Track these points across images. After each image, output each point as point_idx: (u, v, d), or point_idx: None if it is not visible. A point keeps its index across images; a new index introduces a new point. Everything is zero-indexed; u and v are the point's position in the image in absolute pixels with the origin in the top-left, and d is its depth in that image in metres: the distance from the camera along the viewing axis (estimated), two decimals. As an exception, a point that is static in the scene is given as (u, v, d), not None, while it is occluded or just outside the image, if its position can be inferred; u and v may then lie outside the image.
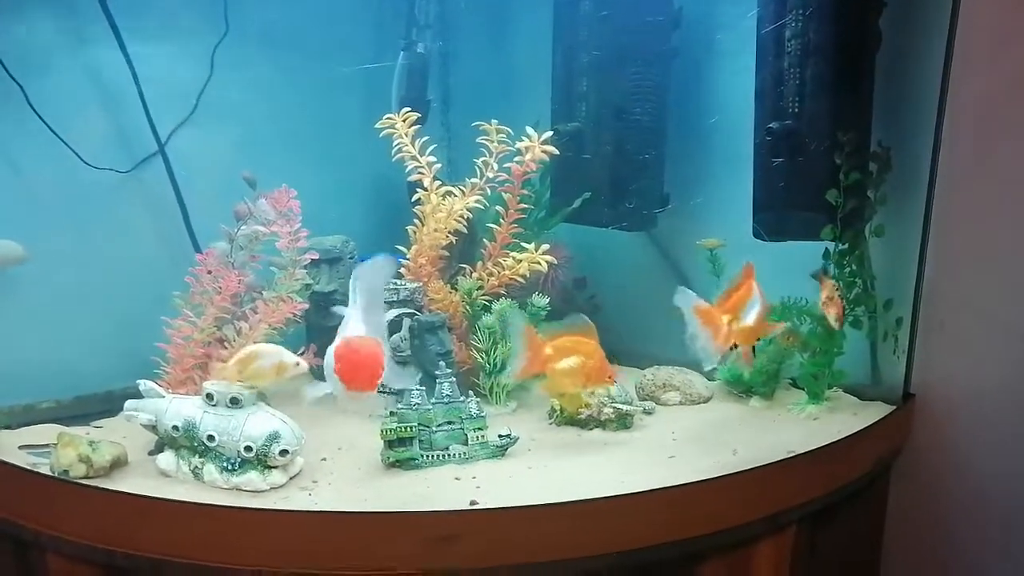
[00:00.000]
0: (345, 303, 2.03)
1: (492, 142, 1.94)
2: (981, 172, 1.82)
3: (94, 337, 1.95)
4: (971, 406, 1.87)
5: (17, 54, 1.83)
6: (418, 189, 1.99)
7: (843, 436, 1.74)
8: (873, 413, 1.88)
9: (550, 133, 1.96)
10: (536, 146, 1.94)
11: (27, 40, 1.85)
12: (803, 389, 1.95)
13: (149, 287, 1.90)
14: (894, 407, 1.90)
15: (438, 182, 1.98)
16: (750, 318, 1.62)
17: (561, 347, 1.69)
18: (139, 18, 1.95)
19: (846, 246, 1.88)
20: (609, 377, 1.74)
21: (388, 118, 1.98)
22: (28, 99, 1.84)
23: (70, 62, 1.93)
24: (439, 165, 1.99)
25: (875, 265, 1.93)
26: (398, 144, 1.97)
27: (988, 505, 1.85)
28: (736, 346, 1.64)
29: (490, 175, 1.95)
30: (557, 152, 1.95)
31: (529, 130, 1.94)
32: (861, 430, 1.78)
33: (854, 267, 1.90)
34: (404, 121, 1.98)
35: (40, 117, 1.85)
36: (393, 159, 1.98)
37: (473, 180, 1.97)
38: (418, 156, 1.97)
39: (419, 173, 1.98)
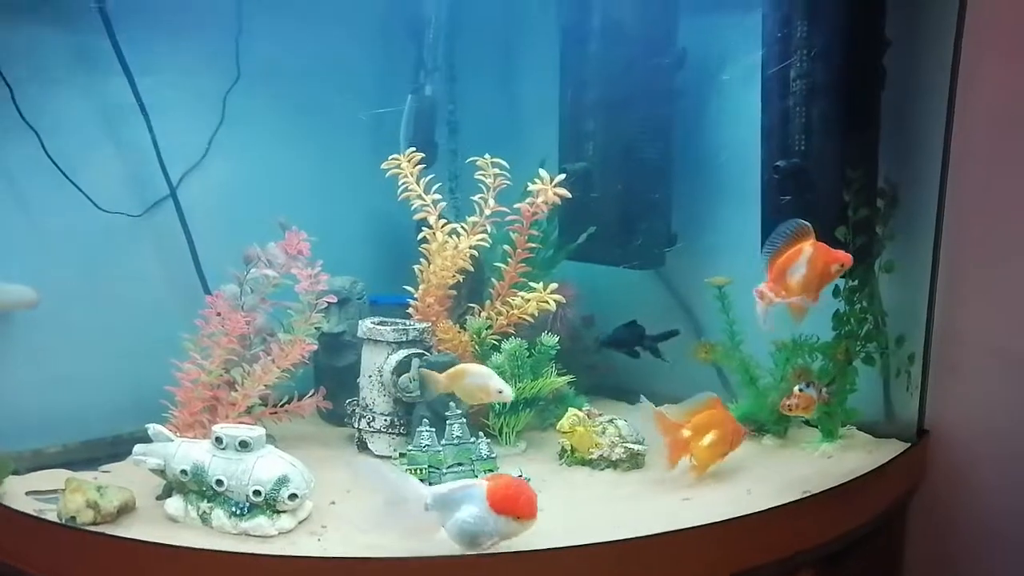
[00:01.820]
0: (353, 345, 2.04)
1: (487, 177, 1.96)
2: (988, 206, 1.83)
3: (102, 381, 1.95)
4: (986, 442, 1.85)
5: (32, 100, 1.85)
6: (424, 228, 2.00)
7: (859, 475, 1.72)
8: (888, 451, 1.86)
9: (563, 176, 1.97)
10: (549, 188, 1.95)
11: (42, 86, 1.88)
12: (816, 427, 1.93)
13: (158, 330, 1.90)
14: (909, 444, 1.88)
15: (443, 220, 1.99)
16: (795, 278, 1.59)
17: (698, 425, 1.73)
18: (152, 65, 1.99)
19: (856, 282, 1.87)
20: (743, 434, 1.79)
21: (393, 158, 2.00)
22: (43, 144, 1.86)
23: (84, 107, 1.96)
24: (444, 203, 2.00)
25: (886, 301, 1.92)
26: (403, 183, 1.99)
27: (1006, 543, 1.82)
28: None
29: (488, 212, 1.96)
30: (570, 195, 1.96)
31: (542, 172, 1.96)
32: (876, 468, 1.76)
33: (864, 303, 1.89)
34: (409, 161, 1.99)
35: (54, 162, 1.87)
36: (399, 198, 1.99)
37: (473, 218, 1.97)
38: (423, 195, 1.99)
39: (424, 211, 1.99)
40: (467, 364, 1.80)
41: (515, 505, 1.37)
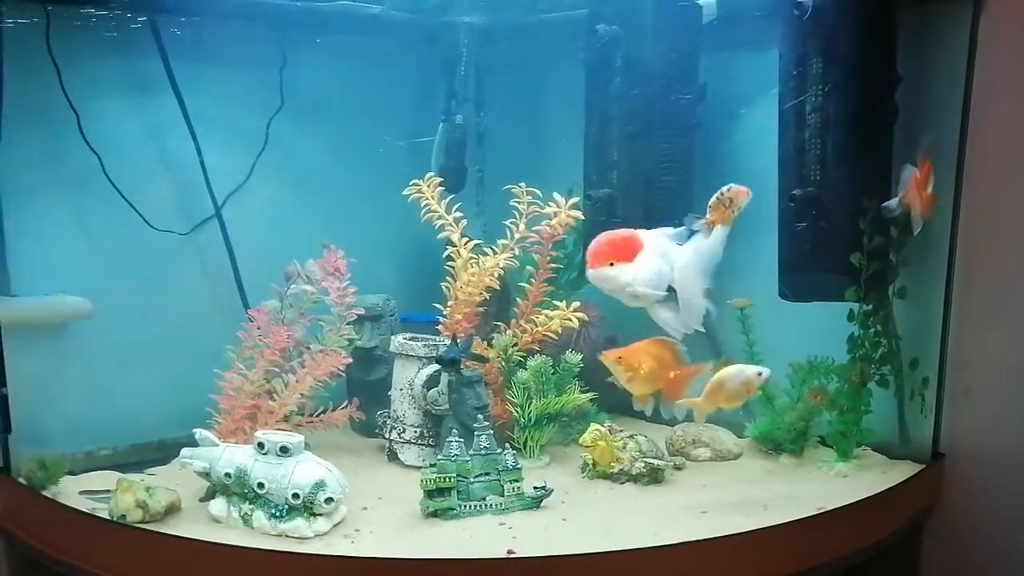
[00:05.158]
0: (384, 359, 2.13)
1: (522, 203, 2.05)
2: (1000, 232, 1.88)
3: (149, 388, 2.05)
4: (1001, 465, 1.87)
5: (94, 128, 1.99)
6: (447, 246, 2.09)
7: (873, 494, 1.76)
8: (902, 472, 1.90)
9: (576, 199, 2.06)
10: (563, 211, 2.04)
11: (101, 116, 2.01)
12: (832, 447, 1.98)
13: (202, 341, 2.01)
14: (923, 466, 1.92)
15: (466, 238, 2.08)
16: (931, 186, 1.81)
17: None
18: (202, 93, 2.12)
19: (870, 307, 1.93)
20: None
21: (414, 183, 2.09)
22: (104, 168, 1.99)
23: (138, 133, 2.08)
24: (465, 222, 2.09)
25: (901, 325, 1.97)
26: (426, 205, 2.08)
27: (1021, 566, 1.84)
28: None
29: (519, 236, 2.05)
30: (583, 216, 2.05)
31: (556, 196, 2.05)
32: (891, 488, 1.80)
33: (879, 327, 1.94)
34: (429, 185, 2.09)
35: (113, 185, 2.00)
36: (422, 220, 2.09)
37: (504, 241, 2.07)
38: (445, 215, 2.08)
39: (447, 230, 2.08)
40: (717, 375, 1.74)
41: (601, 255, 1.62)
